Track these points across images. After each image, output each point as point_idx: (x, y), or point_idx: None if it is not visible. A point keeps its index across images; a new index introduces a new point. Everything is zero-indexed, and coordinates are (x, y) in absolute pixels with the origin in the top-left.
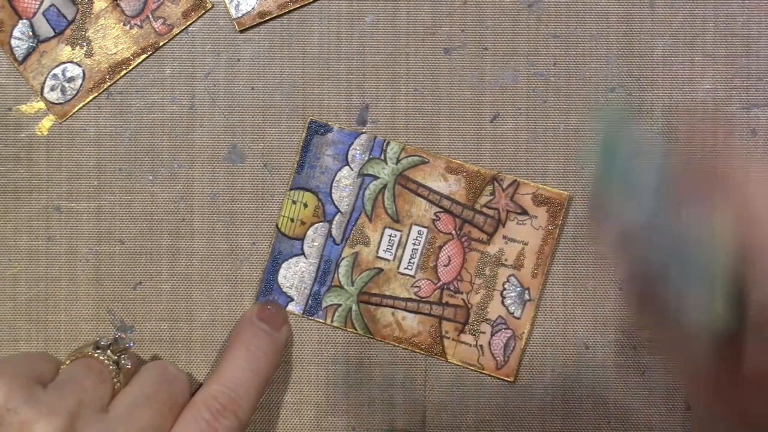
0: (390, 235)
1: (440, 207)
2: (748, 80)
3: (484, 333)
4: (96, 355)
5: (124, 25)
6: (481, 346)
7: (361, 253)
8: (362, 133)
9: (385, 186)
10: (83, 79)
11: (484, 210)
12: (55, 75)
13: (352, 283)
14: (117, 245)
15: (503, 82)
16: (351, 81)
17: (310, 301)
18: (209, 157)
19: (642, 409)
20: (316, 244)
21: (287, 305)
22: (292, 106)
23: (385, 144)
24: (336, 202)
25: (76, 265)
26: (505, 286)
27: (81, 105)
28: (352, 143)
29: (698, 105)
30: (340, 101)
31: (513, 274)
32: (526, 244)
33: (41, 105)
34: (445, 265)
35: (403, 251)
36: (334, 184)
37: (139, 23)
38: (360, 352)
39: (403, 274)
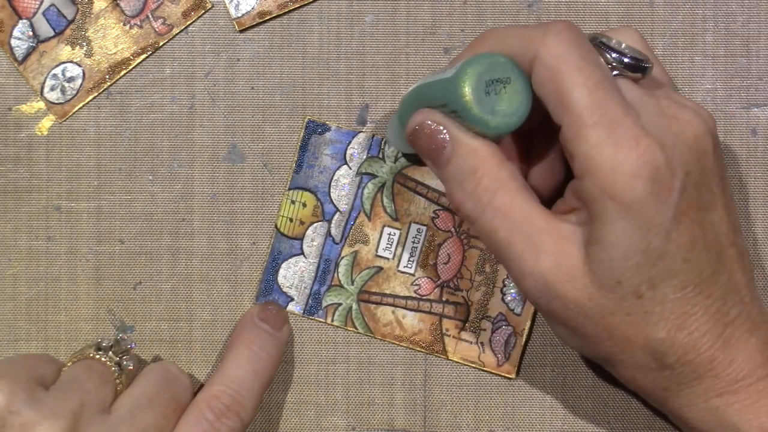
0: (389, 234)
1: (439, 205)
2: (748, 80)
3: (484, 330)
4: (98, 356)
5: (124, 25)
6: (481, 343)
7: (361, 252)
8: (360, 132)
9: (383, 184)
10: (83, 79)
11: None
12: (55, 75)
13: (352, 282)
14: (117, 245)
15: None
16: (351, 81)
17: (310, 301)
18: (209, 157)
19: (642, 409)
20: (315, 243)
21: (287, 305)
22: (292, 106)
23: (383, 142)
24: (335, 202)
25: (76, 265)
26: (505, 282)
27: (81, 105)
28: (350, 142)
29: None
30: (340, 101)
31: None
32: None
33: (41, 105)
34: (444, 263)
35: (403, 249)
36: (332, 184)
37: (139, 23)
38: (360, 351)
39: (402, 272)
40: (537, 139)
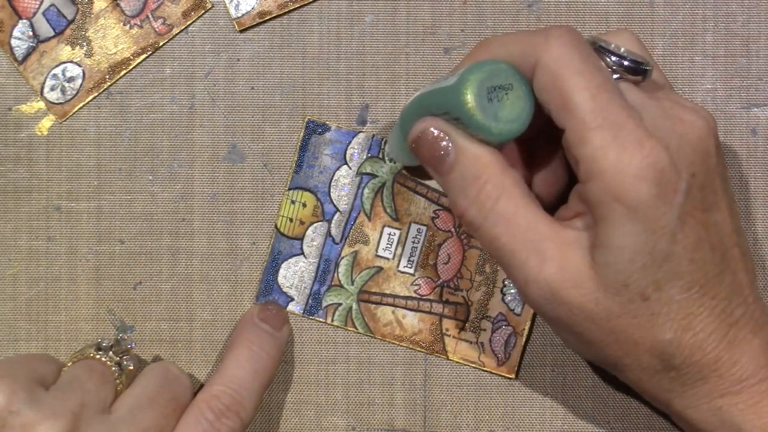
0: (389, 234)
1: (439, 205)
2: (748, 80)
3: (484, 330)
4: (98, 356)
5: (124, 24)
6: (481, 343)
7: (361, 252)
8: (360, 132)
9: (383, 184)
10: (83, 79)
11: None
12: (55, 75)
13: (352, 282)
14: (117, 245)
15: None
16: (351, 81)
17: (310, 301)
18: (209, 157)
19: (642, 409)
20: (315, 243)
21: (287, 305)
22: (292, 106)
23: (383, 142)
24: (335, 202)
25: (76, 265)
26: (506, 282)
27: (81, 105)
28: (350, 142)
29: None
30: (340, 101)
31: None
32: None
33: (41, 105)
34: (444, 263)
35: (403, 249)
36: (332, 184)
37: (139, 23)
38: (360, 351)
39: (402, 272)
40: (540, 146)
